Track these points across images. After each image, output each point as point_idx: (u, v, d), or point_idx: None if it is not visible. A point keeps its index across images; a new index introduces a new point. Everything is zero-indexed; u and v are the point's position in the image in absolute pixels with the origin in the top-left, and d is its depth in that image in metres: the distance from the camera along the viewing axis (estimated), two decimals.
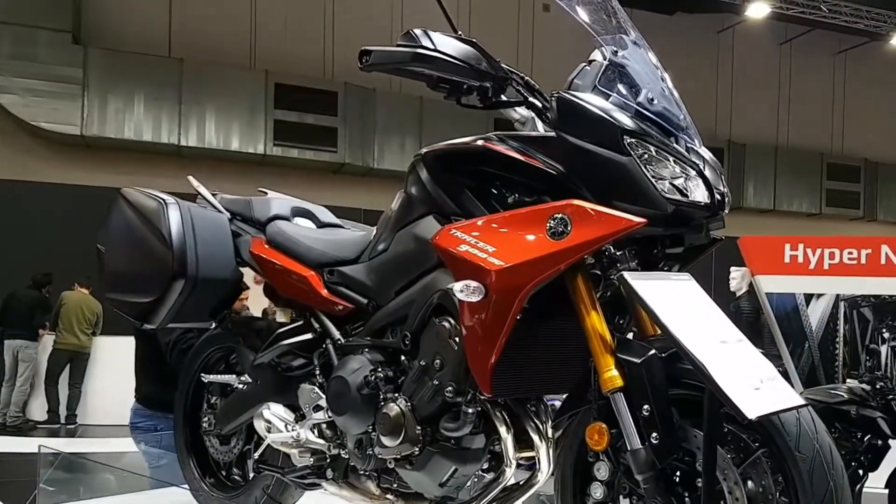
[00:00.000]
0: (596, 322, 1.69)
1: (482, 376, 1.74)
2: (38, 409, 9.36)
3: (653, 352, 1.66)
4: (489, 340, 1.72)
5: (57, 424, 9.06)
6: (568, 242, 1.66)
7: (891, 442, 4.89)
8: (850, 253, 7.14)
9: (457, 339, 1.83)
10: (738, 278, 7.63)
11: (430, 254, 1.91)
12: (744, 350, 1.56)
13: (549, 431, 1.86)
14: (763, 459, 1.57)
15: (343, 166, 12.80)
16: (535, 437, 1.84)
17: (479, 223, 1.82)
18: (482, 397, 1.80)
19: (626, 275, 1.63)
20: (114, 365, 6.48)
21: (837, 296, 7.29)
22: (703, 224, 1.75)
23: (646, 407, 1.59)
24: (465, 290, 1.74)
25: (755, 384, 1.47)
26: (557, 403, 1.88)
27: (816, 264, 7.16)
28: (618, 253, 1.72)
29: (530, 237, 1.72)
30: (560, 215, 1.68)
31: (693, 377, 1.61)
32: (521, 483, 1.89)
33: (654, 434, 1.58)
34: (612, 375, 1.63)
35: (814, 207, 15.70)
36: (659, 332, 1.75)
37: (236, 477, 2.62)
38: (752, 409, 1.40)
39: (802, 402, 1.54)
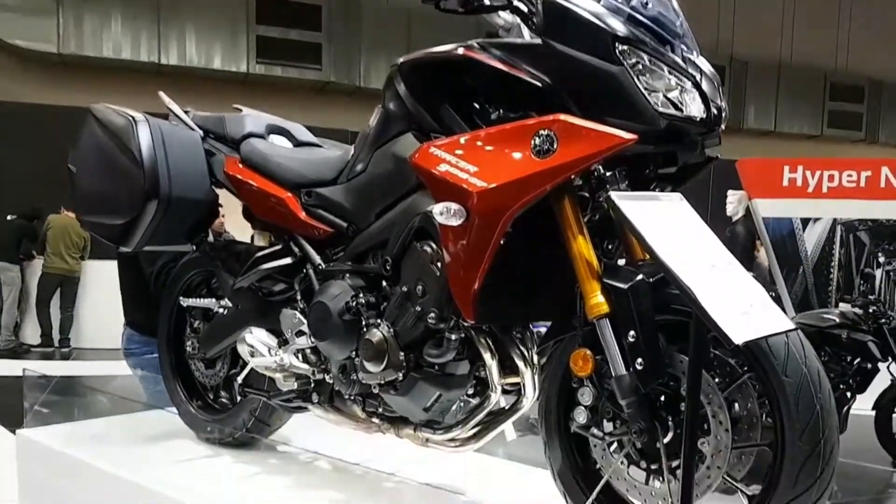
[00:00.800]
0: (582, 247, 1.63)
1: (465, 303, 1.70)
2: (33, 334, 9.39)
3: (640, 277, 1.61)
4: (471, 266, 1.67)
5: (51, 348, 9.10)
6: (554, 161, 1.58)
7: (880, 365, 4.94)
8: (849, 175, 7.08)
9: (439, 265, 1.78)
10: (734, 202, 7.56)
11: (410, 174, 1.84)
12: (734, 274, 1.51)
13: (535, 358, 1.83)
14: (749, 383, 1.56)
15: (328, 84, 12.42)
16: (521, 364, 1.81)
17: (461, 140, 1.74)
18: (465, 324, 1.77)
19: (613, 195, 1.56)
20: (105, 289, 6.46)
21: (835, 220, 7.26)
22: (699, 141, 1.66)
23: (631, 333, 1.55)
24: (445, 214, 1.68)
25: (744, 309, 1.43)
26: (543, 329, 1.88)
27: (815, 187, 7.12)
28: (607, 173, 1.65)
29: (515, 155, 1.64)
30: (546, 132, 1.60)
31: (681, 302, 1.56)
32: (506, 408, 1.88)
33: (640, 360, 1.55)
34: (597, 302, 1.59)
35: (815, 129, 15.45)
36: (648, 256, 1.70)
37: (224, 400, 2.59)
38: (739, 333, 1.36)
39: (791, 326, 1.49)
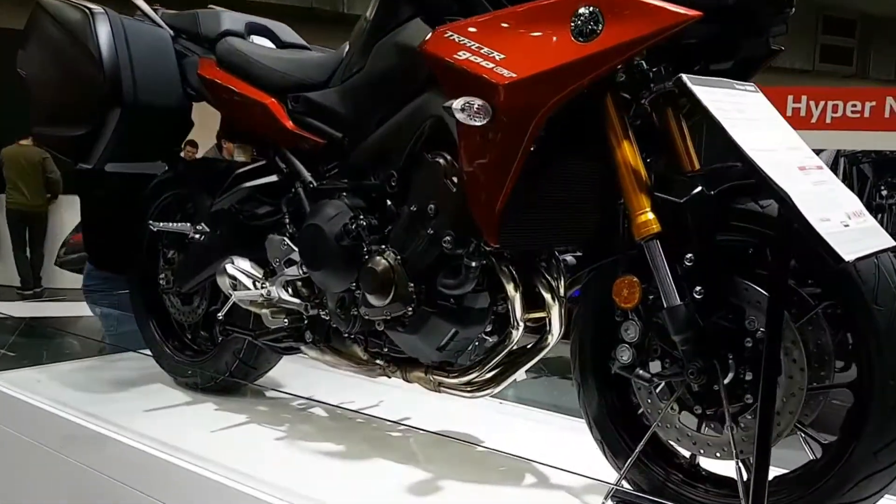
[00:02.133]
0: (628, 154, 1.41)
1: (488, 223, 1.46)
2: (12, 276, 9.04)
3: (700, 188, 1.37)
4: (496, 178, 1.43)
5: (30, 290, 8.77)
6: (600, 45, 1.32)
7: None
8: (853, 105, 6.84)
9: (454, 179, 1.55)
10: None
11: (419, 68, 1.58)
12: (826, 178, 1.24)
13: (562, 289, 1.61)
14: (821, 315, 1.34)
15: (311, 11, 11.82)
16: (547, 296, 1.58)
17: (483, 21, 1.47)
18: (487, 249, 1.54)
19: (685, 78, 1.27)
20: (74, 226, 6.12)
21: (838, 151, 7.03)
22: (766, 25, 1.43)
23: (689, 256, 1.35)
24: (466, 110, 1.40)
25: (843, 220, 1.16)
26: (569, 259, 1.65)
27: (819, 118, 6.88)
28: (652, 69, 1.41)
29: (551, 38, 1.38)
30: (590, 8, 1.34)
31: (749, 218, 1.35)
32: (528, 347, 1.66)
33: (698, 288, 1.35)
34: (647, 219, 1.37)
35: (807, 63, 15.13)
36: (697, 168, 1.49)
37: (203, 340, 2.35)
38: (848, 250, 1.10)
39: (894, 242, 1.23)
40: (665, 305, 1.34)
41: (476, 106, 1.40)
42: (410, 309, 1.65)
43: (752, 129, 1.20)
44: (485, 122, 1.40)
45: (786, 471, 1.41)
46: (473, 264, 1.55)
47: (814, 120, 6.96)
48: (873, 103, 6.80)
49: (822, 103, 6.91)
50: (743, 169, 1.43)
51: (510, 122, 1.39)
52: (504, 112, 1.39)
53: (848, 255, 1.09)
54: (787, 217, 1.17)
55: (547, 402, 2.13)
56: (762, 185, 1.15)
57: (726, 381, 1.37)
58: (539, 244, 1.57)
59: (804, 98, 6.97)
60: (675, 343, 1.37)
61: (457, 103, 1.40)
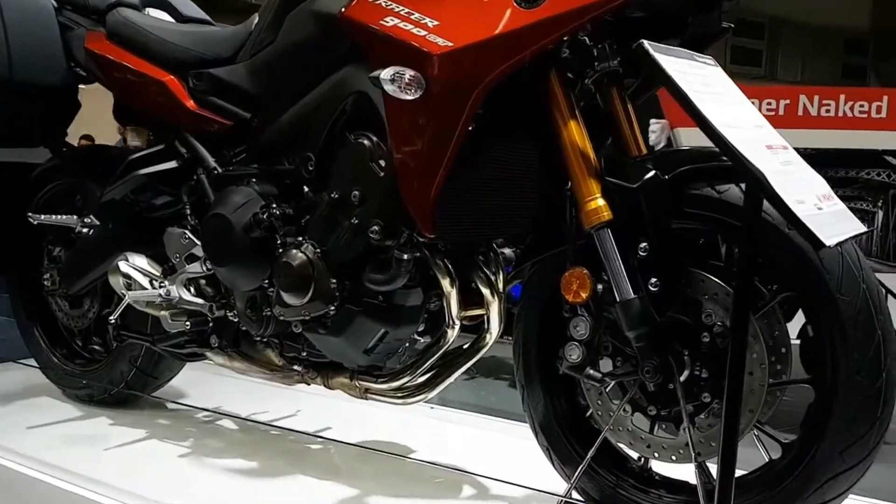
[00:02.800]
0: (576, 134, 1.31)
1: (421, 211, 1.34)
2: None
3: (654, 172, 1.27)
4: (430, 161, 1.31)
5: None
6: (546, 12, 1.22)
7: None
8: (769, 104, 7.03)
9: (381, 162, 1.42)
10: (657, 131, 7.45)
11: (339, 38, 1.46)
12: (793, 159, 1.14)
13: (501, 284, 1.50)
14: (777, 308, 1.27)
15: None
16: (486, 292, 1.47)
17: None
18: (420, 240, 1.42)
19: (647, 45, 1.15)
20: None
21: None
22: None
23: (643, 246, 1.26)
24: (397, 81, 1.27)
25: (816, 203, 1.07)
26: (507, 252, 1.56)
27: None
28: (597, 46, 1.34)
29: (491, 5, 1.26)
30: None
31: (705, 204, 1.26)
32: (464, 347, 1.55)
33: (654, 280, 1.26)
34: (597, 206, 1.28)
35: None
36: (645, 152, 1.41)
37: (96, 347, 2.17)
38: (827, 234, 0.99)
39: (864, 228, 1.15)
40: (618, 299, 1.26)
41: (408, 77, 1.26)
42: (332, 308, 1.50)
43: (718, 104, 1.09)
44: (417, 96, 1.28)
45: (744, 472, 1.32)
46: (405, 257, 1.42)
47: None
48: (788, 101, 7.04)
49: None
50: (696, 151, 1.33)
51: (445, 96, 1.27)
52: (438, 85, 1.26)
53: (828, 239, 0.99)
54: (754, 202, 1.06)
55: (482, 405, 2.01)
56: (735, 164, 1.04)
57: (682, 378, 1.29)
58: (478, 234, 1.45)
59: None
60: (628, 340, 1.28)
61: (385, 73, 1.27)
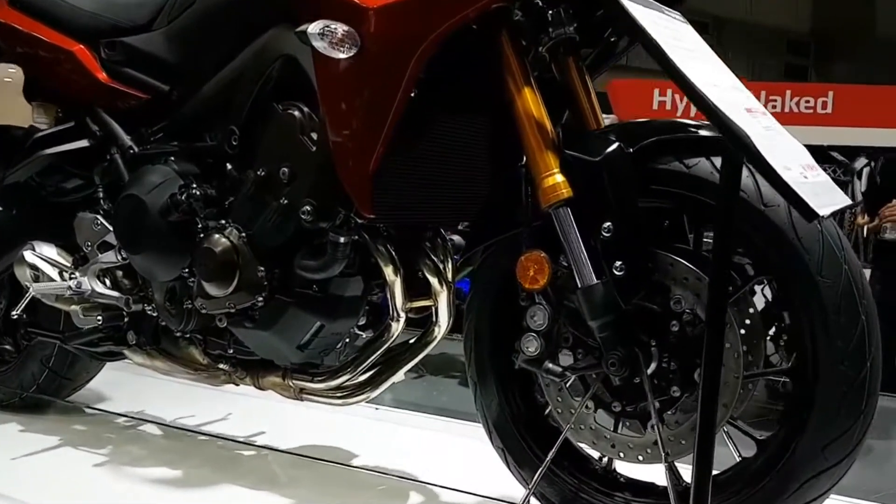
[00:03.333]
0: (531, 103, 1.20)
1: (358, 189, 1.23)
2: None
3: (617, 145, 1.16)
4: (367, 131, 1.20)
5: None
6: None
7: None
8: None
9: (313, 135, 1.32)
10: None
11: None
12: (773, 125, 1.04)
13: (450, 273, 1.39)
14: (748, 293, 1.18)
15: None
16: (434, 281, 1.37)
17: None
18: (358, 221, 1.30)
19: None
20: None
21: None
22: None
23: (606, 226, 1.15)
24: (327, 36, 1.16)
25: (801, 171, 0.96)
26: (456, 239, 1.47)
27: (684, 110, 7.12)
28: (550, 10, 1.25)
29: None
30: None
31: (673, 180, 1.16)
32: (410, 343, 1.44)
33: (618, 263, 1.15)
34: (555, 182, 1.17)
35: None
36: (604, 125, 1.32)
37: (6, 347, 2.03)
38: (819, 204, 0.89)
39: (850, 200, 1.04)
40: (579, 285, 1.16)
41: (340, 32, 1.15)
42: (261, 299, 1.39)
43: (694, 60, 0.97)
44: (351, 54, 1.16)
45: (716, 472, 1.21)
46: (341, 241, 1.30)
47: (679, 113, 7.18)
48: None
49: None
50: (662, 122, 1.22)
51: (384, 56, 1.17)
52: (375, 43, 1.16)
53: (820, 209, 0.88)
54: (734, 168, 0.95)
55: (431, 405, 1.90)
56: (718, 126, 0.92)
57: (650, 371, 1.18)
58: (424, 216, 1.34)
59: (669, 91, 7.16)
60: (590, 330, 1.17)
61: (314, 27, 1.16)
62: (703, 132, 1.16)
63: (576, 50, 1.29)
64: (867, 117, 6.08)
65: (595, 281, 1.13)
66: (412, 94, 1.16)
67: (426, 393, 2.16)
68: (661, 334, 1.18)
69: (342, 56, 1.14)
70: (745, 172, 1.05)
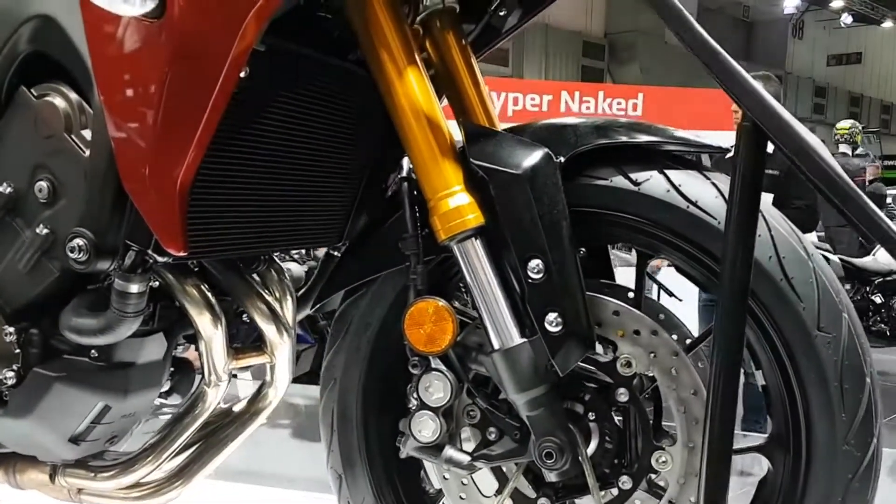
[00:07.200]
0: (416, 92, 0.88)
1: (160, 210, 0.82)
2: None
3: (543, 152, 0.85)
4: (173, 126, 0.80)
5: None
6: None
7: None
8: (532, 99, 7.22)
9: (85, 133, 0.91)
10: None
11: None
12: None
13: (289, 314, 1.05)
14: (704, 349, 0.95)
15: None
16: (269, 330, 1.00)
17: None
18: (160, 260, 0.88)
19: None
20: None
21: None
22: None
23: (534, 264, 0.83)
24: None
25: None
26: (294, 270, 1.15)
27: (500, 109, 7.08)
28: None
29: None
30: None
31: (615, 200, 0.87)
32: (236, 409, 1.08)
33: (553, 316, 0.83)
34: (459, 205, 0.85)
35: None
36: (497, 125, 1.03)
37: None
38: None
39: None
40: (495, 346, 0.84)
41: None
42: (10, 375, 0.96)
43: None
44: (147, 10, 0.75)
45: None
46: (133, 289, 0.87)
47: (496, 111, 7.18)
48: (550, 97, 7.22)
49: (503, 95, 7.12)
50: (596, 122, 0.90)
51: (199, 15, 0.77)
52: (183, 8, 0.76)
53: None
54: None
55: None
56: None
57: (588, 451, 0.89)
58: (256, 244, 0.94)
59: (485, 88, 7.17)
60: (511, 405, 0.86)
61: None
62: (655, 137, 0.87)
63: (457, 24, 1.00)
64: (677, 119, 6.32)
65: (519, 340, 0.83)
66: (242, 74, 0.77)
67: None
68: (604, 408, 0.89)
69: (133, 14, 0.73)
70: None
